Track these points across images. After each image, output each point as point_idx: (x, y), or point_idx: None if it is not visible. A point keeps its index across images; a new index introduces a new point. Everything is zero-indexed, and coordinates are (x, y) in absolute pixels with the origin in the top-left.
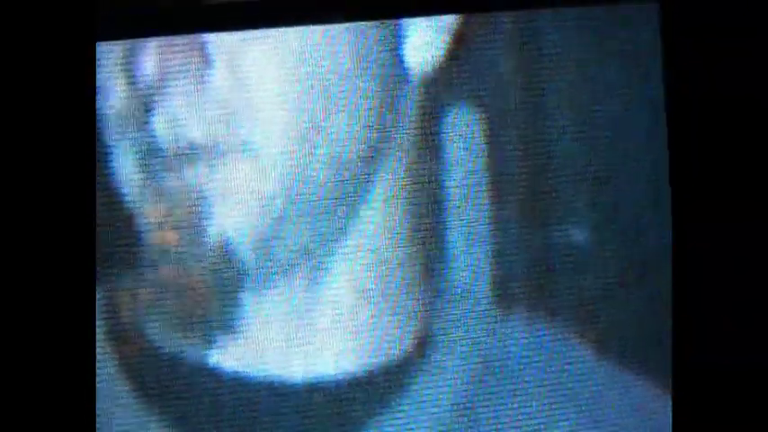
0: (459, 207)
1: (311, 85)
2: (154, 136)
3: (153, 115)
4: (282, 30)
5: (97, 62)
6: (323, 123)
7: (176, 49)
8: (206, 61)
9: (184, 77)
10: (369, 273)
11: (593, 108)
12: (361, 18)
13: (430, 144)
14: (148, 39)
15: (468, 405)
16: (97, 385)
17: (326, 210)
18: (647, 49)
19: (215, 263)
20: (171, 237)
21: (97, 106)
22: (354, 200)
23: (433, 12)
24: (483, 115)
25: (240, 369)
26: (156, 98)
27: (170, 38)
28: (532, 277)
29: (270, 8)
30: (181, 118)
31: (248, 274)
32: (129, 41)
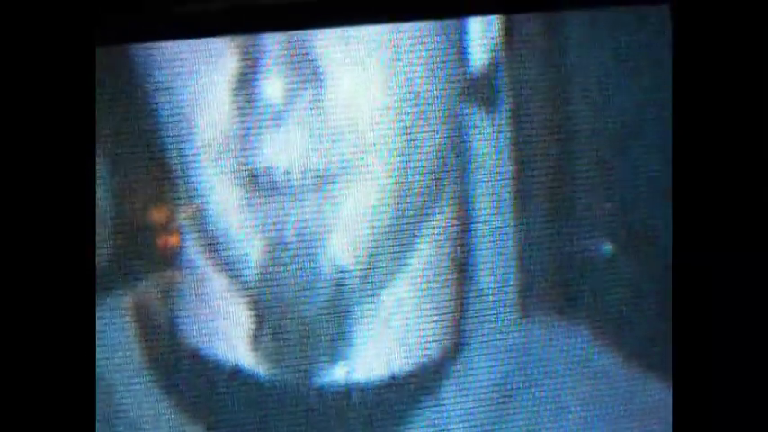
0: (485, 213)
1: (403, 96)
2: (258, 158)
3: (259, 135)
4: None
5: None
6: (416, 134)
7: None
8: (309, 80)
9: (292, 100)
10: (415, 279)
11: (608, 112)
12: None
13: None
14: (168, 42)
15: (497, 401)
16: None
17: (416, 221)
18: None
19: (324, 286)
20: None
21: (194, 126)
22: (428, 212)
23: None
24: (507, 123)
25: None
26: (261, 117)
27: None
28: (556, 283)
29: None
30: (286, 139)
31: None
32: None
